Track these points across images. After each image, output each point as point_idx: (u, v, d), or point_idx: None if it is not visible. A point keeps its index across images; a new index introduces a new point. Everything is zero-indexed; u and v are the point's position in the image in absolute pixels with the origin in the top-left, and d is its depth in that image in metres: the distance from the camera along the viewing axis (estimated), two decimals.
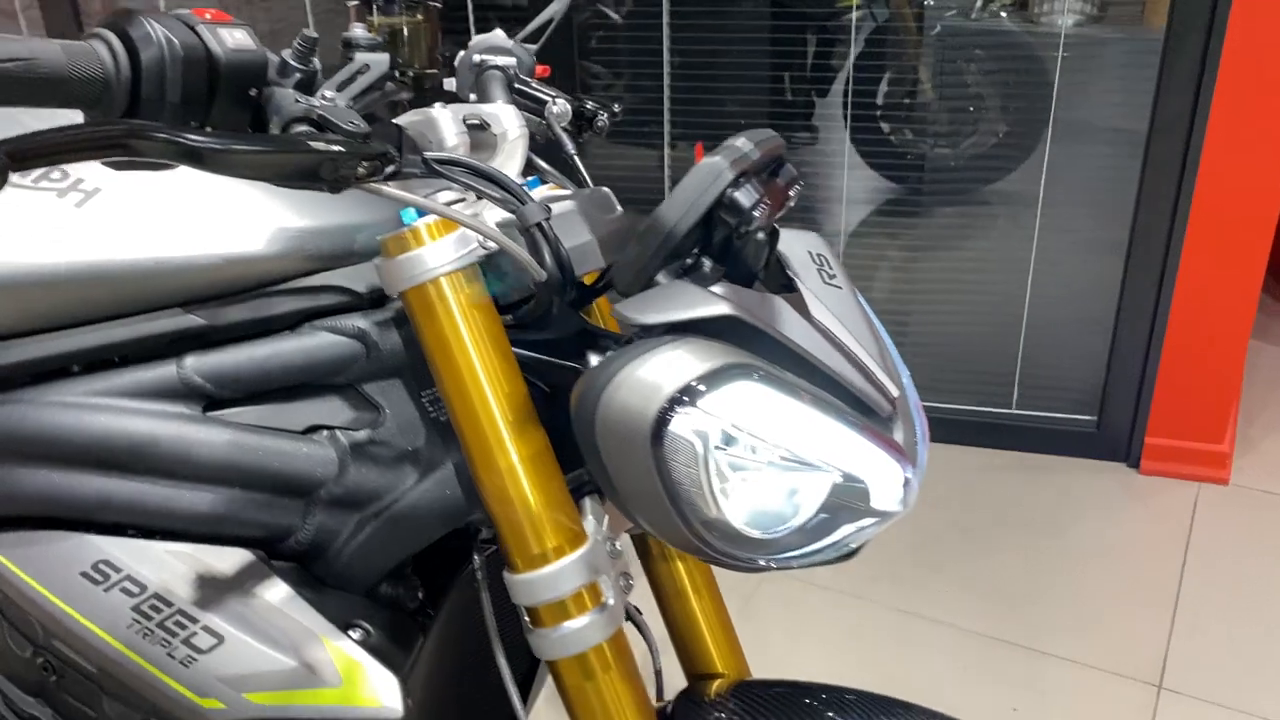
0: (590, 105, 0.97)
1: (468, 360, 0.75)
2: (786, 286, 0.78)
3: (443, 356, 0.76)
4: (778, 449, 0.70)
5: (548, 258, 0.73)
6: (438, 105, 0.80)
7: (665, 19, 2.62)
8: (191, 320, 0.82)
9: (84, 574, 0.82)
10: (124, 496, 0.82)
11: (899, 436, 0.76)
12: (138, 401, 0.82)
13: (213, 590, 0.82)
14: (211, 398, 0.82)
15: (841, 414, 0.73)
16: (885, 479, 0.75)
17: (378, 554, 0.85)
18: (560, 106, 0.93)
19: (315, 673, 0.80)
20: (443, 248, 0.75)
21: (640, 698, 0.82)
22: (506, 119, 0.84)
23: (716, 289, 0.71)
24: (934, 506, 2.43)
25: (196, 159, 0.59)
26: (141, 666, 0.82)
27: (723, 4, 2.80)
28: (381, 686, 0.81)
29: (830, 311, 0.78)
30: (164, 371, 0.82)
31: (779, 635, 2.08)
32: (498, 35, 0.97)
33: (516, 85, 0.94)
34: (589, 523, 0.80)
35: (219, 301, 0.83)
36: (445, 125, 0.79)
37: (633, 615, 0.98)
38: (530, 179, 0.83)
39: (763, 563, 0.73)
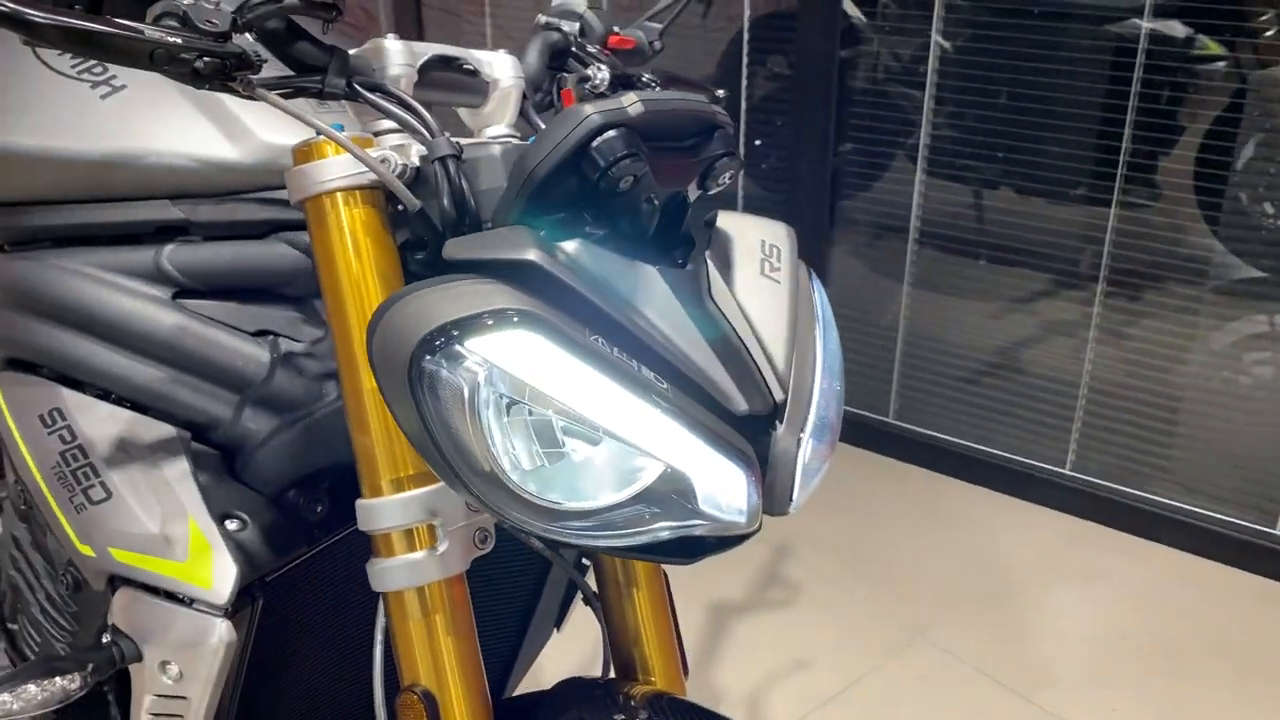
0: (645, 78, 0.99)
1: (351, 278, 0.77)
2: (684, 262, 0.78)
3: (326, 271, 0.78)
4: (562, 412, 0.68)
5: (444, 196, 0.73)
6: (390, 36, 0.81)
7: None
8: (174, 213, 0.93)
9: (40, 416, 0.94)
10: (91, 359, 0.94)
11: (776, 432, 0.77)
12: (120, 278, 0.94)
13: (125, 454, 0.92)
14: (181, 286, 0.93)
15: (667, 399, 0.70)
16: (716, 480, 0.71)
17: (287, 459, 0.92)
18: (601, 74, 0.96)
19: (169, 545, 0.88)
20: (341, 164, 0.76)
21: (466, 654, 0.81)
22: (499, 67, 0.87)
23: (542, 241, 0.70)
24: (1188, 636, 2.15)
25: (29, 29, 0.63)
26: (50, 505, 0.94)
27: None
28: (220, 572, 0.87)
29: (740, 300, 0.80)
30: (145, 256, 0.94)
31: None
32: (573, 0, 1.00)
33: (573, 50, 0.97)
34: None
35: (199, 200, 0.93)
36: (392, 56, 0.80)
37: (588, 598, 1.01)
38: (530, 138, 0.80)
39: (569, 537, 0.71)
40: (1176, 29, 2.29)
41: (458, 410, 0.67)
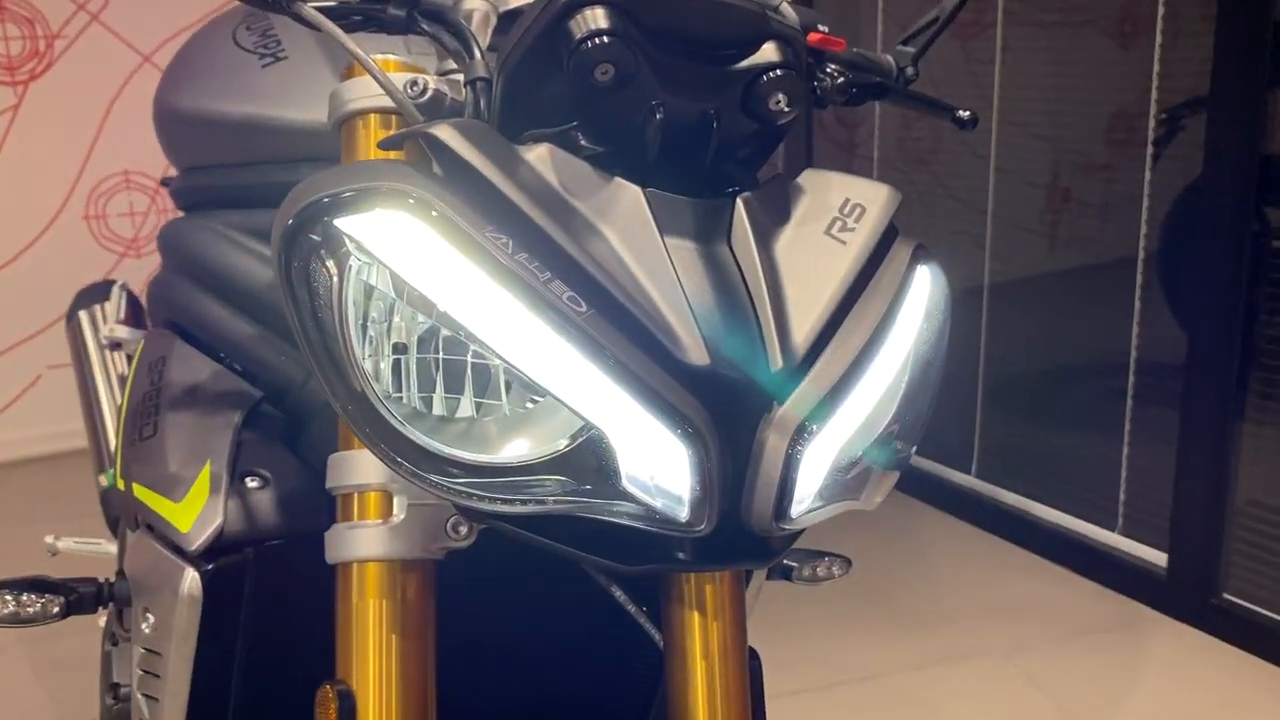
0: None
1: None
2: (726, 196, 0.64)
3: None
4: (445, 319, 0.56)
5: (482, 112, 0.65)
6: None
7: None
8: (295, 176, 0.82)
9: (149, 363, 0.98)
10: (204, 312, 0.97)
11: (774, 418, 0.59)
12: (247, 239, 0.96)
13: (189, 399, 0.91)
14: None
15: (575, 321, 0.56)
16: (645, 450, 0.56)
17: (332, 439, 0.78)
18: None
19: (174, 484, 0.84)
20: (372, 86, 0.70)
21: (411, 660, 0.70)
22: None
23: (484, 134, 0.61)
24: None
25: None
26: (120, 443, 0.97)
27: None
28: (202, 520, 0.81)
29: (777, 254, 0.64)
30: (268, 218, 0.84)
31: None
32: None
33: None
34: None
35: (321, 164, 0.85)
36: None
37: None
38: None
39: (458, 497, 0.59)
40: None
41: (325, 301, 0.59)
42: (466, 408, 0.58)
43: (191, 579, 0.79)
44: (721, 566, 0.66)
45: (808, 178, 0.69)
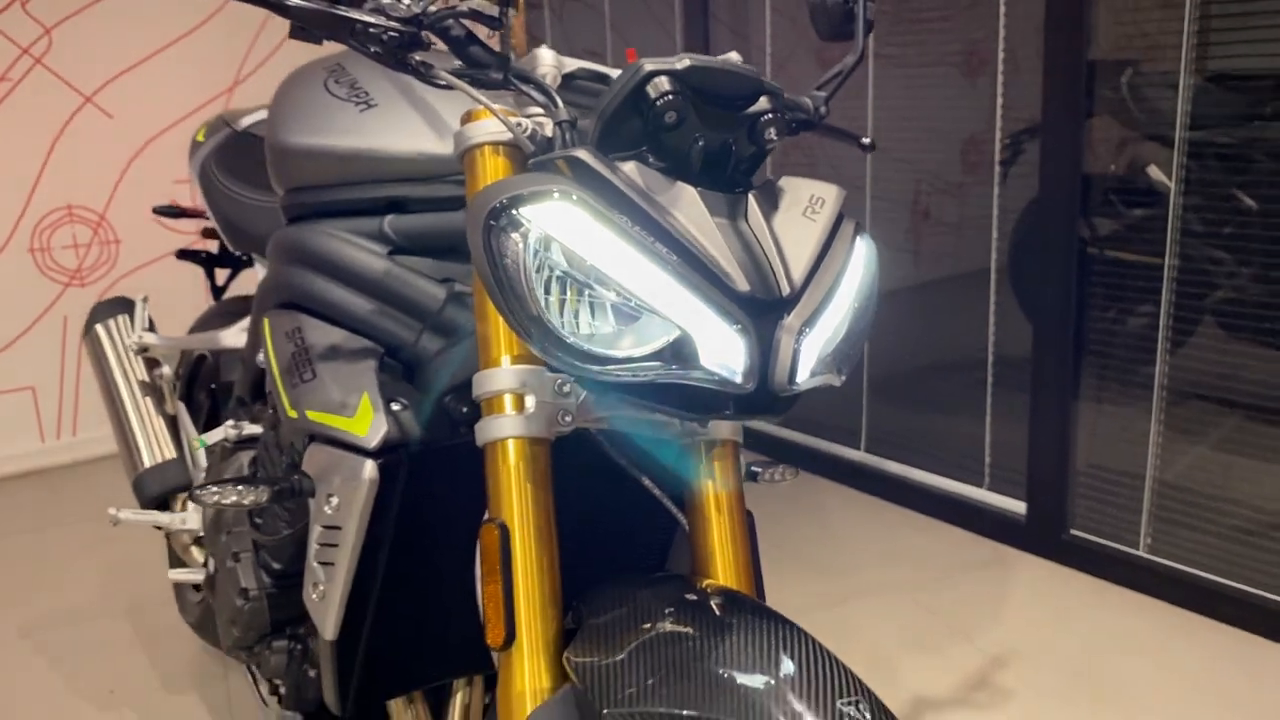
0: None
1: None
2: (734, 191, 0.93)
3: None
4: (588, 269, 0.83)
5: (558, 146, 0.93)
6: (544, 47, 1.08)
7: None
8: (396, 191, 1.19)
9: (285, 332, 1.23)
10: (327, 294, 1.20)
11: (784, 321, 0.89)
12: (356, 238, 1.20)
13: (332, 354, 1.18)
14: (395, 245, 1.19)
15: (672, 265, 0.84)
16: (717, 340, 0.85)
17: (446, 371, 1.12)
18: None
19: (345, 407, 1.11)
20: (489, 125, 0.98)
21: (540, 502, 0.95)
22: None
23: (599, 158, 0.87)
24: None
25: (284, 11, 0.92)
26: (278, 387, 1.20)
27: None
28: (375, 427, 1.09)
29: (775, 228, 0.93)
30: (373, 223, 1.20)
31: None
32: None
33: None
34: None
35: (415, 182, 1.18)
36: (544, 60, 1.06)
37: (678, 518, 1.09)
38: None
39: (590, 371, 0.85)
40: None
41: (514, 262, 0.84)
42: (600, 325, 0.87)
43: (370, 467, 1.07)
44: (754, 417, 0.93)
45: (786, 181, 0.99)
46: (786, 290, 0.90)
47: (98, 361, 2.16)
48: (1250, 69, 2.32)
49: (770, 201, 0.97)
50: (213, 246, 2.41)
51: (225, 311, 2.20)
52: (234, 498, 1.14)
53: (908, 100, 2.99)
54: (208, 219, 2.34)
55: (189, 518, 1.83)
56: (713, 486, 1.06)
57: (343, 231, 1.22)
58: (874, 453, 3.19)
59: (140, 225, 3.63)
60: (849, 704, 0.84)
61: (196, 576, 1.79)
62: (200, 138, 2.06)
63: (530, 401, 0.96)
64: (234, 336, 1.88)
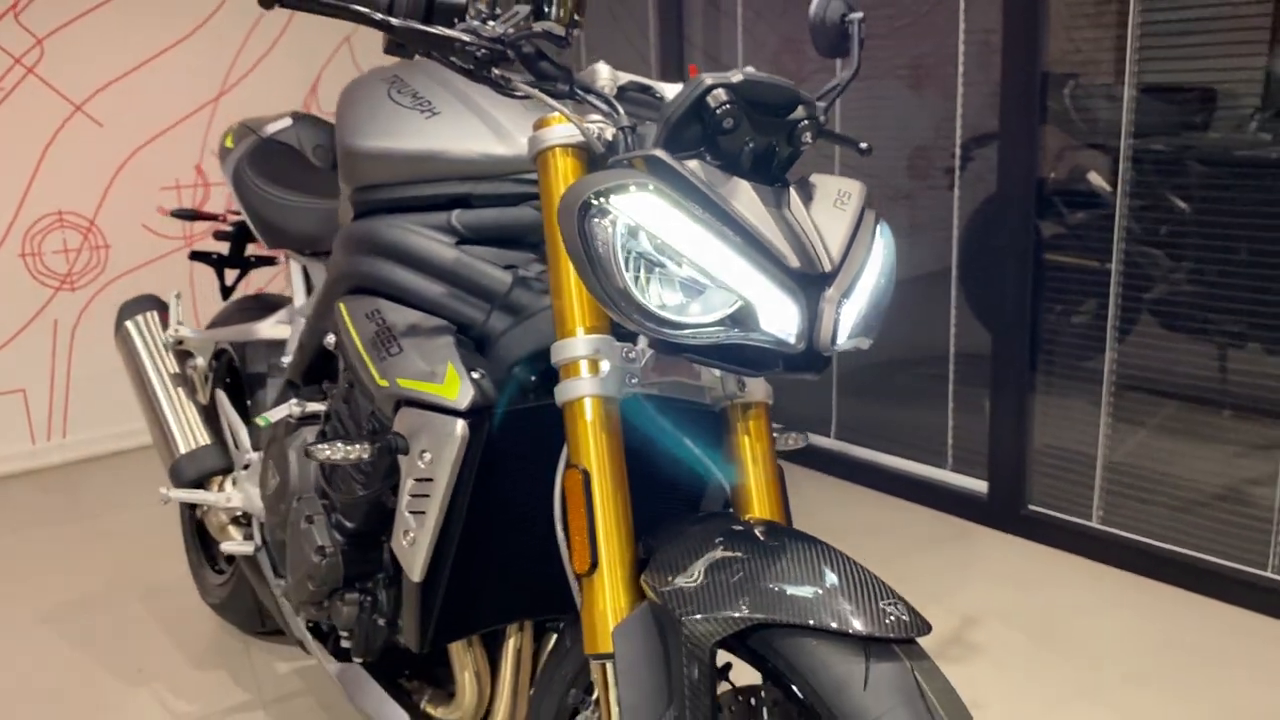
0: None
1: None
2: (777, 184, 1.07)
3: (546, 197, 1.15)
4: (672, 243, 0.98)
5: (621, 149, 1.10)
6: (601, 63, 1.23)
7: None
8: (460, 189, 1.35)
9: (365, 314, 1.40)
10: (403, 280, 1.37)
11: (826, 293, 1.03)
12: (426, 230, 1.37)
13: (413, 331, 1.35)
14: (462, 237, 1.35)
15: (739, 237, 0.99)
16: (774, 303, 1.00)
17: (514, 346, 1.28)
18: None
19: (435, 375, 1.28)
20: (561, 129, 1.13)
21: (614, 450, 1.11)
22: (668, 91, 1.28)
23: (672, 157, 1.01)
24: None
25: (392, 30, 1.09)
26: (364, 361, 1.37)
27: None
28: (463, 391, 1.25)
29: (812, 215, 1.08)
30: (441, 217, 1.36)
31: None
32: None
33: None
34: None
35: (478, 181, 1.33)
36: (601, 75, 1.22)
37: (712, 468, 1.26)
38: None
39: (669, 335, 0.99)
40: None
41: (604, 244, 0.98)
42: (669, 297, 1.02)
43: (461, 426, 1.23)
44: (800, 373, 1.06)
45: (816, 177, 1.13)
46: (827, 267, 1.05)
47: (130, 356, 2.28)
48: (1182, 82, 2.55)
49: (805, 194, 1.11)
50: (223, 248, 2.53)
51: (243, 308, 2.33)
52: (342, 454, 1.29)
53: (872, 111, 3.18)
54: (221, 222, 2.48)
55: (232, 496, 1.97)
56: (749, 441, 1.23)
57: (414, 225, 1.37)
58: (843, 440, 3.38)
59: (129, 231, 3.72)
60: (888, 604, 1.02)
61: (247, 548, 1.92)
62: (229, 143, 2.19)
63: (604, 365, 1.11)
64: (270, 328, 2.02)
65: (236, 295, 2.49)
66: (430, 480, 1.26)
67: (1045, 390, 2.83)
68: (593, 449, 1.11)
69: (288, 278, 2.02)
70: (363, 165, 1.44)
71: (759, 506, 1.22)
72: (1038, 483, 2.85)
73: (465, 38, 1.10)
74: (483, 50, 1.11)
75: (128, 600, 2.67)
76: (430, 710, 1.56)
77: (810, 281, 1.04)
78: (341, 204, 1.58)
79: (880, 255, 1.14)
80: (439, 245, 1.35)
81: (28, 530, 3.16)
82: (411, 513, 1.28)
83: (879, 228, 1.15)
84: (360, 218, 1.47)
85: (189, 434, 2.14)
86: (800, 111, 1.09)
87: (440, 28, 1.10)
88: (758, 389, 1.25)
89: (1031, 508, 2.85)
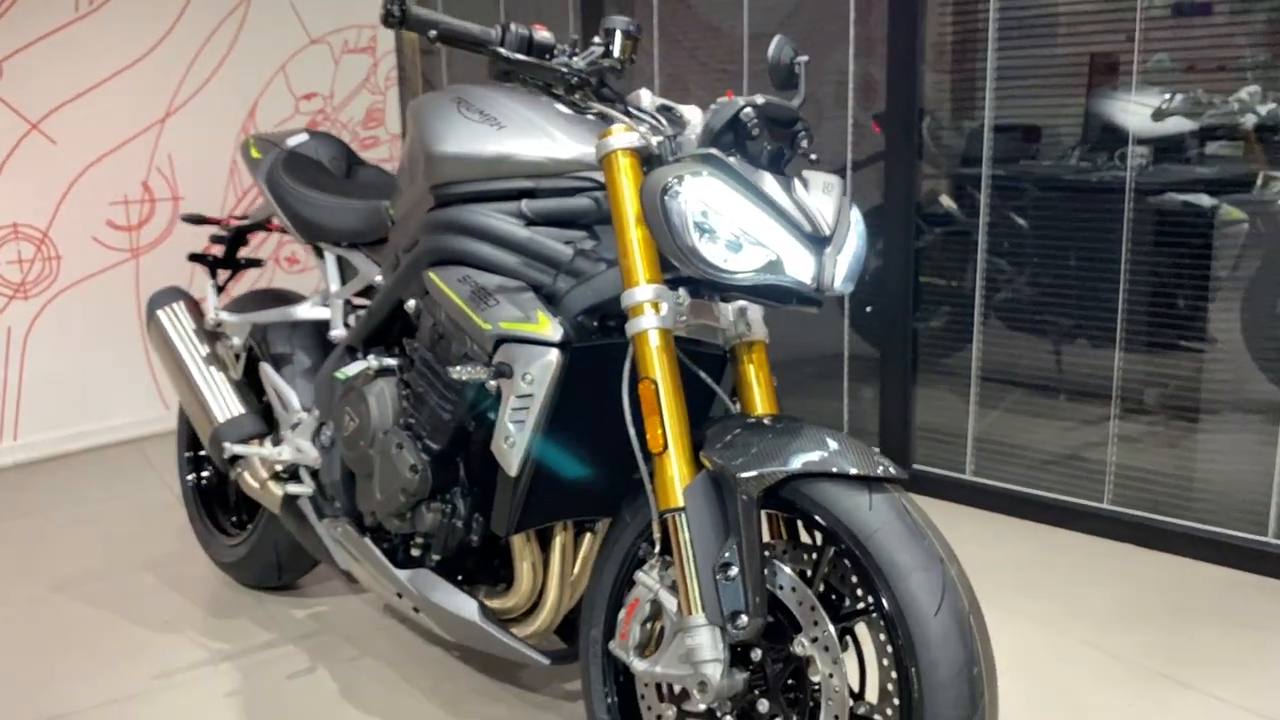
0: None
1: (628, 198, 1.52)
2: (785, 176, 1.52)
3: (613, 190, 1.53)
4: (725, 214, 1.43)
5: (668, 154, 1.54)
6: (644, 89, 1.68)
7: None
8: (527, 183, 1.74)
9: (458, 278, 1.78)
10: (484, 253, 1.76)
11: (827, 250, 1.48)
12: (501, 214, 1.76)
13: (502, 290, 1.71)
14: (530, 220, 1.74)
15: (770, 210, 1.45)
16: (795, 257, 1.45)
17: (578, 301, 1.67)
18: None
19: (529, 318, 1.66)
20: (623, 136, 1.53)
21: (671, 365, 1.50)
22: (690, 114, 1.69)
23: (724, 155, 1.47)
24: None
25: (507, 60, 1.61)
26: (465, 312, 1.73)
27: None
28: (553, 329, 1.63)
29: (808, 194, 1.52)
30: (513, 206, 1.75)
31: None
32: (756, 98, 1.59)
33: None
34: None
35: (541, 178, 1.72)
36: (643, 97, 1.66)
37: (723, 395, 1.75)
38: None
39: (724, 278, 1.44)
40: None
41: (678, 215, 1.41)
42: (714, 253, 1.49)
43: (556, 354, 1.60)
44: (808, 306, 1.52)
45: (807, 172, 1.54)
46: (826, 231, 1.50)
47: (163, 341, 2.58)
48: (1019, 120, 3.15)
49: (804, 182, 1.55)
50: (218, 250, 2.85)
51: (257, 298, 2.66)
52: (470, 374, 1.65)
53: None
54: (222, 229, 2.80)
55: (283, 450, 2.30)
56: (753, 368, 1.69)
57: (491, 211, 1.77)
58: None
59: (80, 243, 3.93)
60: (877, 458, 1.49)
61: (307, 489, 2.25)
62: (255, 154, 2.53)
63: (664, 306, 1.50)
64: (307, 310, 2.37)
65: (236, 294, 2.80)
66: (530, 395, 1.62)
67: (922, 387, 3.38)
68: (658, 365, 1.50)
69: (321, 268, 2.37)
70: (446, 166, 1.82)
71: (764, 407, 1.68)
72: (920, 446, 3.40)
73: (564, 70, 1.54)
74: (575, 79, 1.55)
75: (132, 570, 2.92)
76: (487, 601, 1.94)
77: (816, 242, 1.49)
78: (409, 198, 1.97)
79: (857, 226, 1.61)
80: (514, 226, 1.74)
81: (3, 523, 3.34)
82: (513, 422, 1.65)
83: (853, 208, 1.64)
84: (439, 207, 1.86)
85: (225, 404, 2.46)
86: (799, 125, 1.56)
87: (542, 62, 1.56)
88: (758, 330, 1.71)
89: (915, 466, 3.40)
